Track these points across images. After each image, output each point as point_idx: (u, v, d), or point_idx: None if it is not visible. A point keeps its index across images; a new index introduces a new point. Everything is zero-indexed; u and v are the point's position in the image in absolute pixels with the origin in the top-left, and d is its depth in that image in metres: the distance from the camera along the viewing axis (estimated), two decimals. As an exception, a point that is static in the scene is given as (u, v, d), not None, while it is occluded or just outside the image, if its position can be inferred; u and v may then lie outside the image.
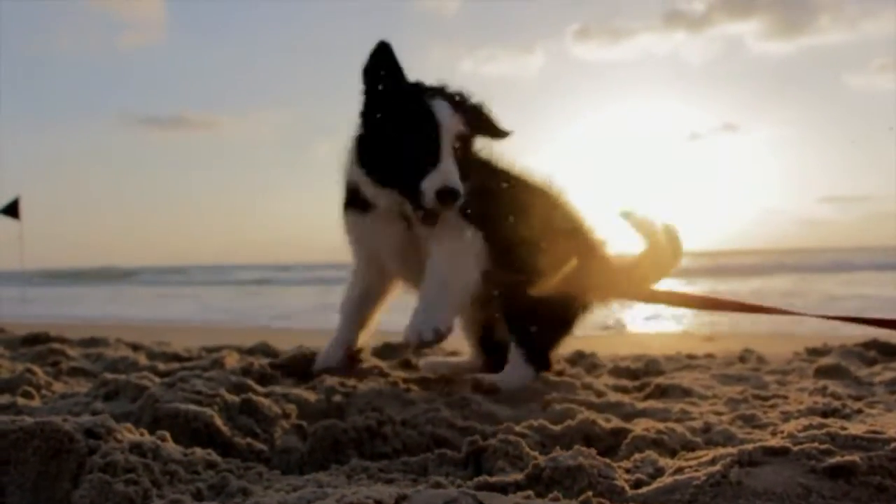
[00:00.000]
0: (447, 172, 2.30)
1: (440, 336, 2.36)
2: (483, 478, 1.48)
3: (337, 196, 2.70)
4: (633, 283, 2.69)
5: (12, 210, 14.01)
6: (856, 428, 1.59)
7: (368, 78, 2.42)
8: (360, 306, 2.85)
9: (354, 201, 2.60)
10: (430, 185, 2.28)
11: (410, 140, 2.35)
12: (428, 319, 2.37)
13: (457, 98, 2.45)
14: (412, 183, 2.32)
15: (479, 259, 2.51)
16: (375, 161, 2.44)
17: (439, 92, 2.44)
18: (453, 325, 2.43)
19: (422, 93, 2.41)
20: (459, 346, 3.66)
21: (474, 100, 2.51)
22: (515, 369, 2.59)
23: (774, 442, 1.48)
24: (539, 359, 2.66)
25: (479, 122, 2.49)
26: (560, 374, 2.87)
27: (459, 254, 2.48)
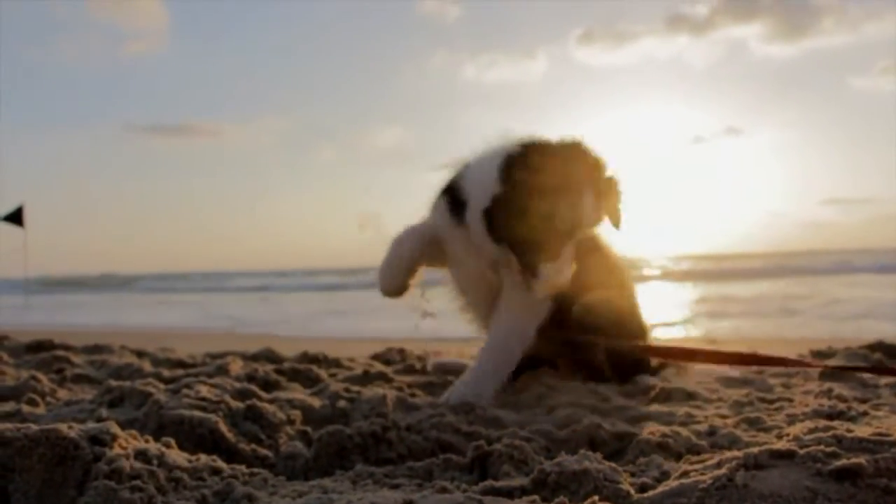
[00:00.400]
0: (563, 267, 2.41)
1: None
2: (489, 482, 1.48)
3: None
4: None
5: (16, 218, 14.05)
6: (862, 430, 1.59)
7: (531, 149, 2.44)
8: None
9: (457, 210, 2.59)
10: (549, 273, 2.39)
11: (547, 226, 2.39)
12: (475, 391, 2.46)
13: (600, 184, 2.48)
14: (532, 260, 2.40)
15: (539, 318, 2.65)
16: (505, 220, 2.44)
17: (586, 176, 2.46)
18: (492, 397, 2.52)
19: (570, 175, 2.42)
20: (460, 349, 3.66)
21: (614, 182, 2.53)
22: None
23: (780, 445, 1.48)
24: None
25: (606, 206, 2.53)
26: (564, 378, 2.87)
27: (524, 312, 2.62)
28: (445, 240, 2.67)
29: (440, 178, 2.72)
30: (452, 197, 2.60)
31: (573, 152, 2.46)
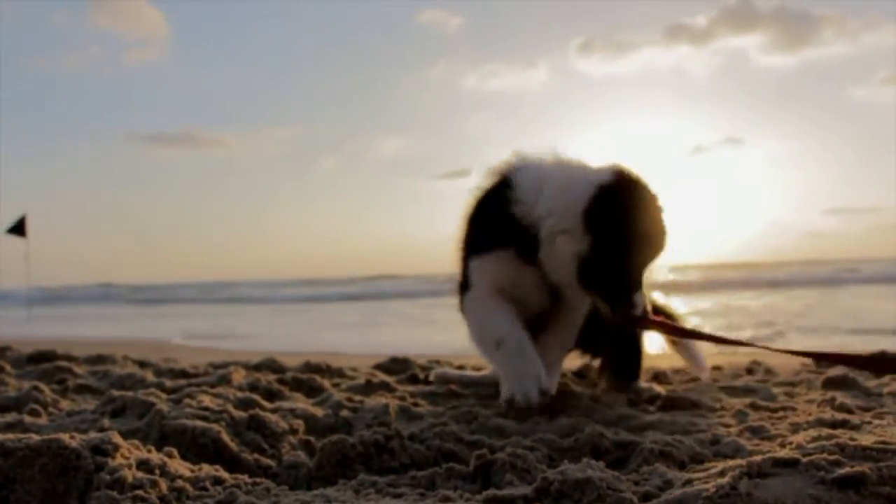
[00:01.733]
0: (642, 300, 2.39)
1: (547, 396, 2.35)
2: (491, 491, 1.47)
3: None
4: None
5: (19, 229, 14.07)
6: (865, 439, 1.59)
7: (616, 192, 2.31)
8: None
9: (523, 242, 2.41)
10: (641, 303, 2.38)
11: (642, 261, 2.38)
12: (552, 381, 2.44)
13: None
14: (624, 297, 2.36)
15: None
16: (593, 273, 2.33)
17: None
18: None
19: (656, 210, 2.38)
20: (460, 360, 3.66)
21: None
22: None
23: (783, 453, 1.48)
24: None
25: None
26: (568, 387, 2.87)
27: (575, 324, 2.65)
28: (508, 278, 2.50)
29: (477, 195, 2.56)
30: (516, 230, 2.40)
31: (639, 181, 2.37)
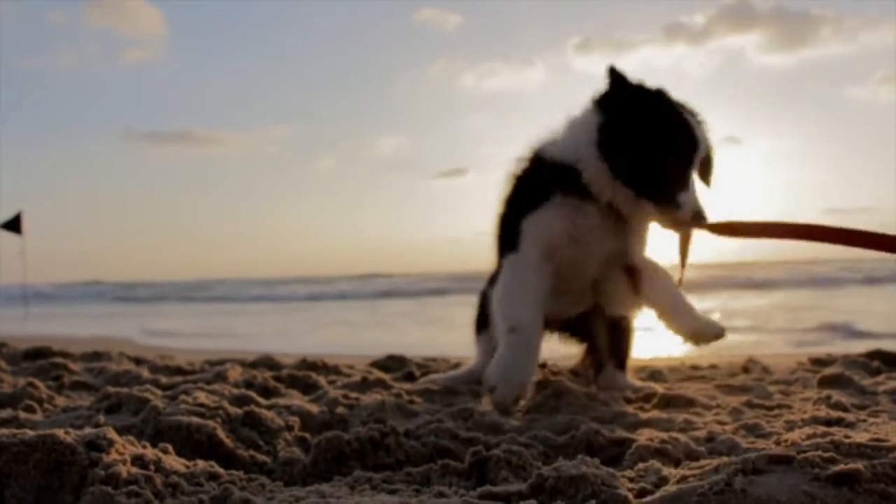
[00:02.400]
0: (697, 198, 2.35)
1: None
2: (487, 488, 1.47)
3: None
4: None
5: (14, 225, 14.03)
6: (860, 436, 1.59)
7: (618, 77, 2.38)
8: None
9: (567, 186, 2.42)
10: (688, 202, 2.32)
11: (674, 153, 2.33)
12: (707, 321, 2.35)
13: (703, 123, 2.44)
14: (668, 194, 2.33)
15: None
16: (626, 160, 2.34)
17: (691, 111, 2.42)
18: None
19: (681, 107, 2.39)
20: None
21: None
22: None
23: (778, 450, 1.48)
24: None
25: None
26: (564, 384, 2.87)
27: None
28: (562, 240, 2.44)
29: (521, 163, 2.56)
30: (561, 173, 2.42)
31: (680, 102, 2.40)
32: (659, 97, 2.37)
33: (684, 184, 2.34)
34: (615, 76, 2.37)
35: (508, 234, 2.53)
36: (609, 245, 2.49)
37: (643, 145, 2.32)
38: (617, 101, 2.37)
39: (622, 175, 2.35)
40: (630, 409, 2.47)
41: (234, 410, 2.11)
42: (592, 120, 2.39)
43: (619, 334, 2.99)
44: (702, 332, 2.30)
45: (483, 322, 3.06)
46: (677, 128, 2.34)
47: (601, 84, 2.41)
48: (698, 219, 2.34)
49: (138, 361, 3.92)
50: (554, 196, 2.43)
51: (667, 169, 2.33)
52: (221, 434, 1.94)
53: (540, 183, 2.48)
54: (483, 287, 3.07)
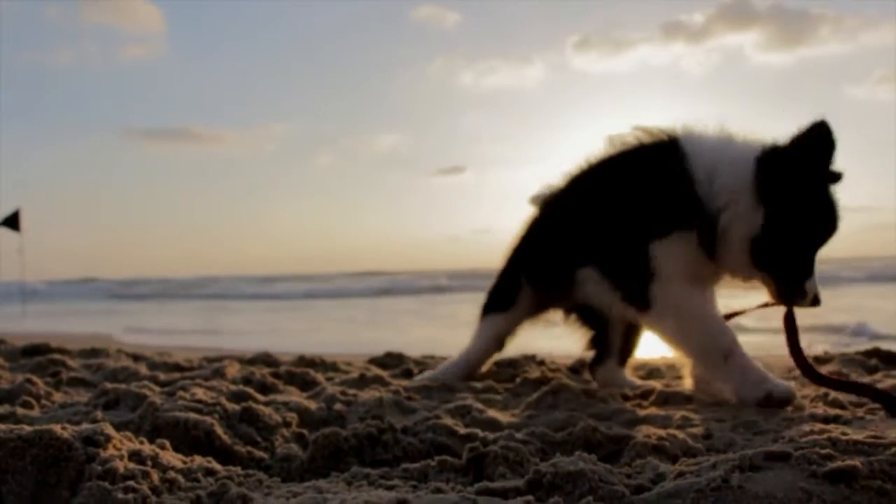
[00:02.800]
0: (813, 287, 2.30)
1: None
2: (484, 484, 1.47)
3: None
4: None
5: (13, 222, 14.02)
6: (857, 433, 1.59)
7: (808, 155, 2.20)
8: None
9: (702, 226, 2.30)
10: (811, 289, 2.29)
11: (819, 244, 2.27)
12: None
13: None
14: (797, 281, 2.28)
15: None
16: (773, 242, 2.25)
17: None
18: None
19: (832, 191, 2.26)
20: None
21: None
22: None
23: (775, 447, 1.48)
24: None
25: None
26: (562, 381, 2.87)
27: None
28: (690, 266, 2.37)
29: (638, 161, 2.42)
30: (696, 211, 2.29)
31: (822, 147, 2.22)
32: (826, 184, 2.23)
33: (812, 269, 2.30)
34: (819, 146, 2.18)
35: (629, 248, 2.42)
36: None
37: (797, 234, 2.24)
38: (791, 176, 2.19)
39: (760, 254, 2.27)
40: (628, 405, 2.47)
41: (232, 407, 2.11)
42: (749, 202, 2.24)
43: (632, 334, 2.96)
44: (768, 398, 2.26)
45: (498, 303, 3.03)
46: (832, 220, 2.25)
47: (800, 136, 2.18)
48: (815, 304, 2.32)
49: (136, 358, 3.92)
50: (689, 232, 2.32)
51: (807, 259, 2.28)
52: (219, 430, 1.94)
53: (676, 208, 2.33)
54: (504, 262, 3.05)
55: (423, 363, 3.68)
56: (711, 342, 2.34)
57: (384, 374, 3.22)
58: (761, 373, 2.32)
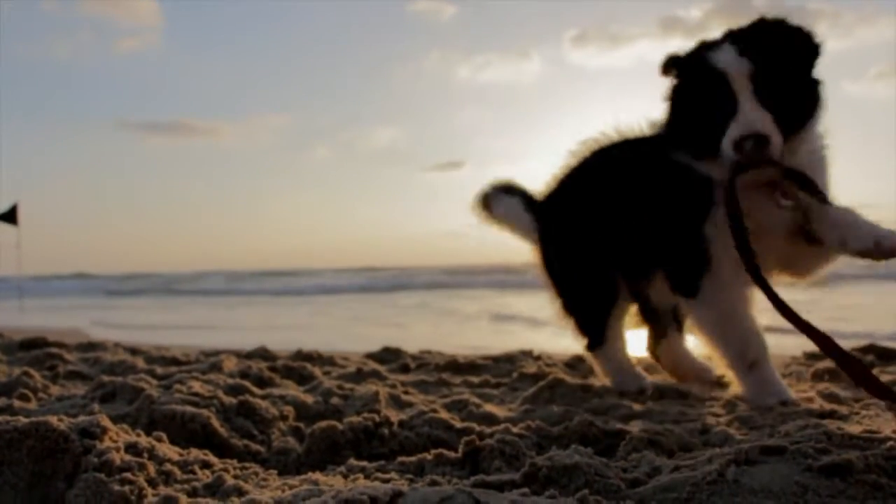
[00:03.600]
0: (745, 117, 2.03)
1: None
2: (480, 477, 1.48)
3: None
4: None
5: (10, 216, 14.00)
6: (852, 428, 1.59)
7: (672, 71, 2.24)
8: None
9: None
10: (726, 139, 2.05)
11: (702, 101, 2.14)
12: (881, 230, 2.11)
13: (747, 34, 2.16)
14: (714, 146, 2.10)
15: None
16: (683, 138, 2.23)
17: (725, 38, 2.16)
18: None
19: (703, 50, 2.16)
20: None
21: (778, 25, 2.21)
22: None
23: (771, 441, 1.48)
24: None
25: (785, 47, 2.17)
26: (559, 378, 2.87)
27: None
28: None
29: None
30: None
31: (711, 43, 2.21)
32: (683, 63, 2.26)
33: (727, 125, 2.14)
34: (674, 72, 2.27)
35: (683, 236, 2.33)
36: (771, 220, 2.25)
37: (681, 117, 2.27)
38: (669, 97, 2.30)
39: (689, 154, 2.25)
40: (624, 400, 2.47)
41: (229, 400, 2.11)
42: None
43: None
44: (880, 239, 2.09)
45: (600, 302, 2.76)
46: (694, 80, 2.23)
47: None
48: (741, 147, 2.06)
49: (133, 352, 3.92)
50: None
51: (700, 126, 2.20)
52: (216, 423, 1.94)
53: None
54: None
55: (421, 358, 3.68)
56: (744, 347, 2.35)
57: (381, 368, 3.22)
58: (781, 387, 2.35)
